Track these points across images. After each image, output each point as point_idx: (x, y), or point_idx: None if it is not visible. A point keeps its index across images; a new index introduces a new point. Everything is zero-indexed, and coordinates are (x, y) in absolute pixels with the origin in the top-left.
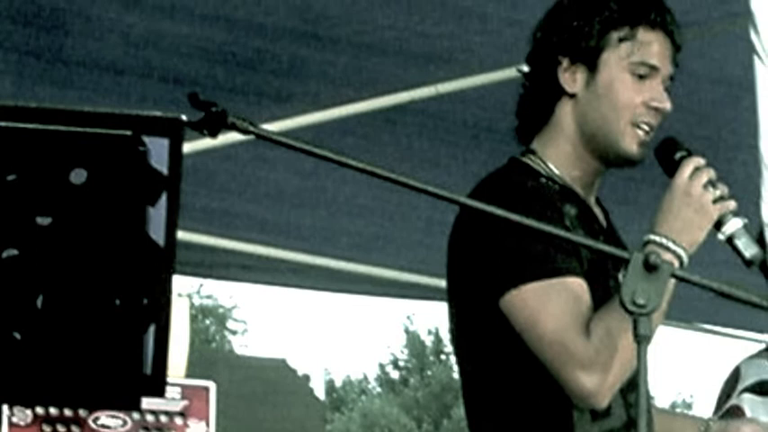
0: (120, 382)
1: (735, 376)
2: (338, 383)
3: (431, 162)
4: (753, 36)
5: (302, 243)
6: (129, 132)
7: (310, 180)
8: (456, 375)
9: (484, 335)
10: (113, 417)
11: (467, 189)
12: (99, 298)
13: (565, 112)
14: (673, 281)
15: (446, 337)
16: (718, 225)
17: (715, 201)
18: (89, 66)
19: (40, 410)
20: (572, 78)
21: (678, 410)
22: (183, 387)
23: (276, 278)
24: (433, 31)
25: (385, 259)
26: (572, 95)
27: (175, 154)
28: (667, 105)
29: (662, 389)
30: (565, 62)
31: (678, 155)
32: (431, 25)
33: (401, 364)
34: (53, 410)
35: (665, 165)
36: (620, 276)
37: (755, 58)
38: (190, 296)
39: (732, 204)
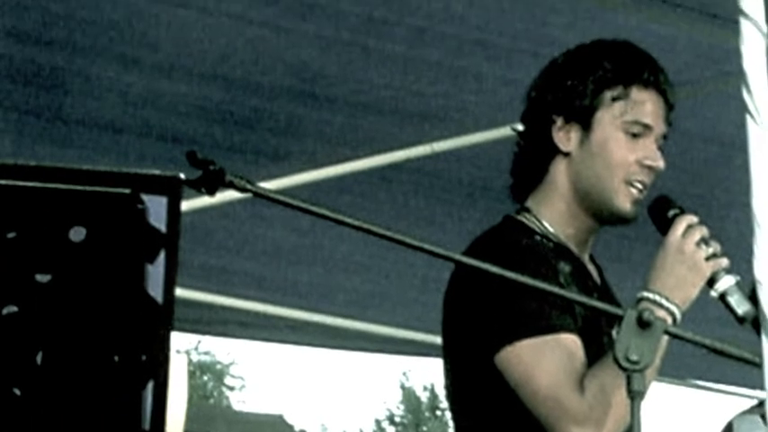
0: None
1: None
2: None
3: (426, 220)
4: (745, 95)
5: (299, 300)
6: (127, 190)
7: (307, 238)
8: (452, 431)
9: (479, 391)
10: None
11: (462, 247)
12: (98, 354)
13: (559, 171)
14: (666, 337)
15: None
16: (711, 282)
17: (708, 258)
18: (88, 124)
19: None
20: (566, 137)
21: None
22: None
23: (273, 335)
24: (428, 91)
25: (381, 316)
26: (566, 154)
27: (174, 212)
28: (660, 164)
29: None
30: (559, 121)
31: (671, 212)
32: (426, 85)
33: (397, 419)
34: None
35: (659, 222)
36: (614, 333)
37: (748, 117)
38: (188, 352)
39: (725, 262)
